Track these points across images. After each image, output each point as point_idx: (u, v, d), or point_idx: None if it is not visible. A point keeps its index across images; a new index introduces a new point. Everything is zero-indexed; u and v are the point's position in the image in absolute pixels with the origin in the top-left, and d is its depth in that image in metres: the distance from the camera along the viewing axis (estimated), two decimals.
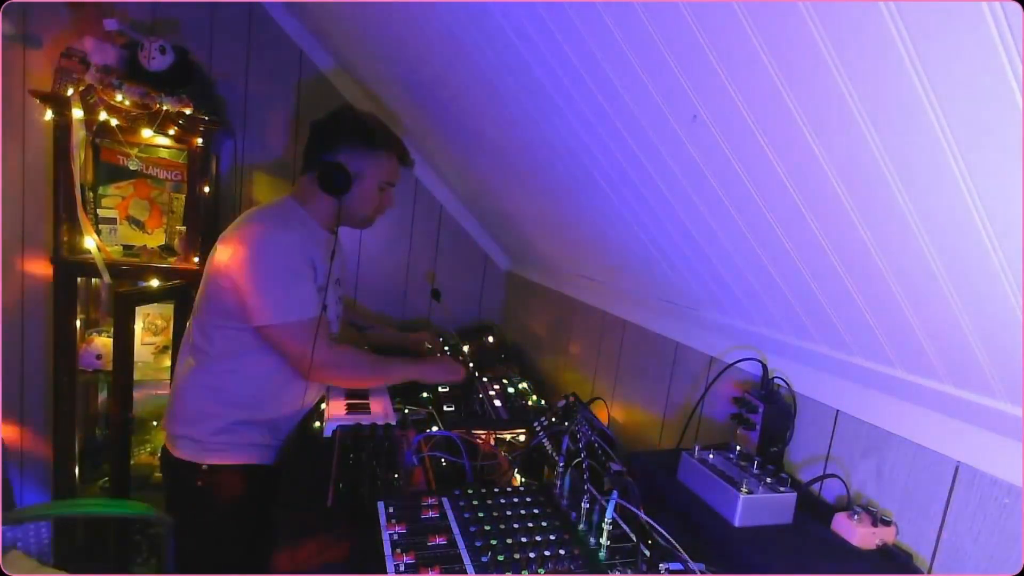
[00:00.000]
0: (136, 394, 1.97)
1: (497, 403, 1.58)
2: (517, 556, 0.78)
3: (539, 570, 0.76)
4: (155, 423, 2.21)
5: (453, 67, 1.34)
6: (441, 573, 0.74)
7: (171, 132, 1.98)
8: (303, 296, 1.35)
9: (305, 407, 1.51)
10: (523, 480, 1.18)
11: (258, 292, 1.32)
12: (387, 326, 2.19)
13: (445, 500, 0.91)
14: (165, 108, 1.90)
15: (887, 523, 0.81)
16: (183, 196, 2.14)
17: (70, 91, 1.84)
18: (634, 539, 0.82)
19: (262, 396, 1.42)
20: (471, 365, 1.81)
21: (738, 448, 0.96)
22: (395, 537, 0.81)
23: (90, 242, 1.95)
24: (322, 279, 1.42)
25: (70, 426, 2.06)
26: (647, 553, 0.78)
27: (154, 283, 2.03)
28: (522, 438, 1.32)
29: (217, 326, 1.38)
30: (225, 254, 1.36)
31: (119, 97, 1.86)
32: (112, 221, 2.14)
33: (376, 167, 1.48)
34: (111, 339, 1.97)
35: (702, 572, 0.75)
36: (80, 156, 1.91)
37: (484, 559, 0.77)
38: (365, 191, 1.48)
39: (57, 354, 2.02)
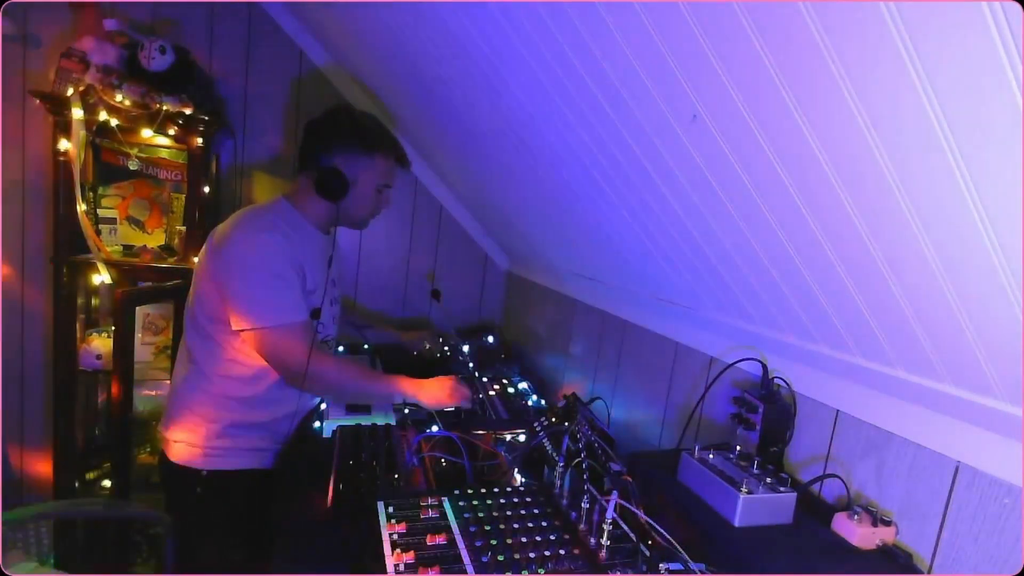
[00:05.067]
0: (136, 394, 1.97)
1: (497, 403, 1.58)
2: (517, 556, 0.78)
3: (539, 570, 0.76)
4: (155, 423, 2.21)
5: (452, 66, 1.34)
6: (441, 573, 0.74)
7: (171, 132, 1.98)
8: (285, 301, 1.32)
9: (303, 409, 1.50)
10: (523, 480, 1.18)
11: (239, 295, 1.30)
12: (386, 325, 2.18)
13: (445, 500, 0.91)
14: (165, 108, 1.89)
15: (887, 523, 0.81)
16: (183, 196, 2.14)
17: (70, 91, 1.84)
18: (634, 539, 0.82)
19: (259, 399, 1.40)
20: (471, 364, 1.81)
21: (738, 448, 0.96)
22: (395, 537, 0.81)
23: (90, 242, 1.95)
24: (313, 282, 1.40)
25: (70, 426, 2.06)
26: (647, 553, 0.78)
27: (154, 283, 2.03)
28: (522, 438, 1.32)
29: (209, 328, 1.37)
30: (211, 254, 1.34)
31: (119, 97, 1.86)
32: (112, 221, 2.14)
33: (372, 171, 1.45)
34: (111, 339, 1.97)
35: (702, 572, 0.75)
36: (80, 156, 1.91)
37: (484, 559, 0.77)
38: (362, 195, 1.45)
39: (57, 354, 2.02)
